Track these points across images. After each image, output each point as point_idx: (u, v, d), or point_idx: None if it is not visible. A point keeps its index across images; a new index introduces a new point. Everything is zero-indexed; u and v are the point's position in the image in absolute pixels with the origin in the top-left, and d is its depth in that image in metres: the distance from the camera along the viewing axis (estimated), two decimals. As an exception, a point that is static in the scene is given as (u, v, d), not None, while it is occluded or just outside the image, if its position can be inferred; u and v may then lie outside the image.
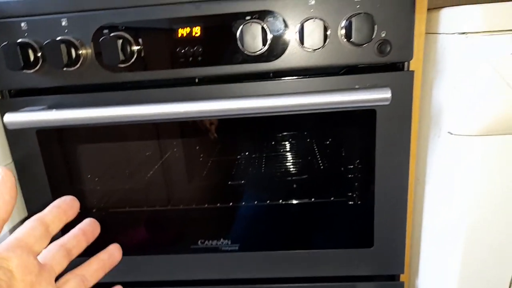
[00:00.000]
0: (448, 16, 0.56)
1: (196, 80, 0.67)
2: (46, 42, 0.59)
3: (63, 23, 0.61)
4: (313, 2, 0.58)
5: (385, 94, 0.57)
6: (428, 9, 0.62)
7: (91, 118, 0.61)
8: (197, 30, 0.61)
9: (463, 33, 0.53)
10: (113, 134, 0.74)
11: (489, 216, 0.59)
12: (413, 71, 0.61)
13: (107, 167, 0.87)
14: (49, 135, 0.70)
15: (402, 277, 0.74)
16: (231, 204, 0.79)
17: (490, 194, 0.58)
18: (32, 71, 0.62)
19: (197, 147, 0.92)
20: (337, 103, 0.58)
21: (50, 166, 0.72)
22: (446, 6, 0.59)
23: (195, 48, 0.61)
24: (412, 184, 0.70)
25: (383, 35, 0.59)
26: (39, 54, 0.61)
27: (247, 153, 0.79)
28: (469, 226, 0.59)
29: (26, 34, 0.62)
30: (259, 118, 0.67)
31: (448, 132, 0.58)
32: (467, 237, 0.60)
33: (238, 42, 0.59)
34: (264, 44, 0.58)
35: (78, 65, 0.62)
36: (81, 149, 0.78)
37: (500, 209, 0.58)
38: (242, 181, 0.79)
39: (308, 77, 0.63)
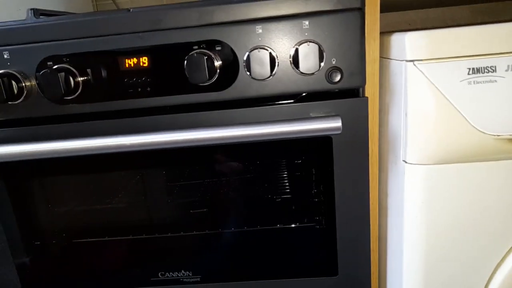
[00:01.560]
0: (397, 43, 0.55)
1: (168, 108, 0.65)
2: (-15, 76, 0.57)
3: (5, 56, 0.59)
4: (260, 31, 0.57)
5: (336, 123, 0.55)
6: (382, 33, 0.61)
7: (35, 153, 0.59)
8: (144, 61, 0.59)
9: (411, 60, 0.51)
10: (66, 166, 0.72)
11: (443, 242, 0.57)
12: (367, 98, 0.60)
13: (66, 199, 0.85)
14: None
15: (369, 306, 0.72)
16: (194, 232, 0.77)
17: (444, 223, 0.56)
18: (-26, 105, 0.60)
19: (158, 176, 0.91)
20: (287, 133, 0.56)
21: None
22: (397, 31, 0.58)
23: (143, 79, 0.60)
24: (376, 211, 0.68)
25: (334, 62, 0.57)
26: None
27: (209, 180, 0.77)
28: (425, 252, 0.58)
29: (-32, 66, 0.60)
30: (221, 146, 0.66)
31: (403, 161, 0.56)
32: (425, 263, 0.58)
33: (186, 73, 0.57)
34: (211, 75, 0.57)
35: (22, 98, 0.60)
36: (38, 182, 0.76)
37: (452, 237, 0.57)
38: (205, 209, 0.77)
39: (261, 106, 0.61)
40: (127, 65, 0.59)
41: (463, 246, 0.57)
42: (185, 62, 0.56)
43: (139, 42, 0.58)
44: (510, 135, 0.50)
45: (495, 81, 0.49)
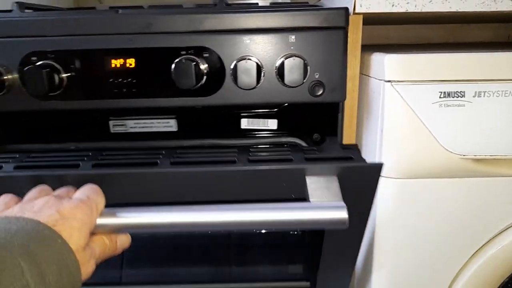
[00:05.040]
0: (376, 62, 0.58)
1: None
2: (-34, 67, 0.55)
3: (-12, 48, 0.58)
4: (248, 41, 0.58)
5: (340, 215, 0.43)
6: (363, 49, 0.65)
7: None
8: (131, 62, 0.60)
9: (389, 81, 0.55)
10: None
11: (408, 251, 0.61)
12: (381, 165, 0.50)
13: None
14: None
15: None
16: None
17: (411, 230, 0.60)
18: (-48, 95, 0.59)
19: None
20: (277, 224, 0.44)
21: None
22: (376, 45, 0.61)
23: (128, 80, 0.60)
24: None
25: (317, 76, 0.60)
26: (-39, 79, 0.58)
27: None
28: (393, 254, 0.62)
29: None
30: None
31: (376, 174, 0.60)
32: (393, 264, 0.62)
33: (173, 77, 0.58)
34: (197, 80, 0.58)
35: (3, 91, 0.59)
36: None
37: (418, 243, 0.61)
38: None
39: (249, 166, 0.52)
40: (113, 65, 0.60)
41: (428, 252, 0.61)
42: (173, 66, 0.57)
43: (127, 43, 0.59)
44: (474, 155, 0.54)
45: (463, 105, 0.53)
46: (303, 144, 0.69)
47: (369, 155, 0.63)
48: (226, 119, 0.70)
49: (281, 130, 0.69)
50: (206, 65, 0.59)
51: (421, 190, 0.58)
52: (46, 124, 0.69)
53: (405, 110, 0.54)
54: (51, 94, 0.59)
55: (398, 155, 0.56)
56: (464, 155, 0.54)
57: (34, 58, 0.58)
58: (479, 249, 0.61)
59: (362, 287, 0.70)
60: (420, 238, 0.61)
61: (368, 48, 0.71)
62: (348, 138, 0.66)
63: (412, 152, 0.55)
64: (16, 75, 0.59)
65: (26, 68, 0.56)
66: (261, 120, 0.69)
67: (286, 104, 0.65)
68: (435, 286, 0.64)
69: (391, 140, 0.56)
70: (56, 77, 0.58)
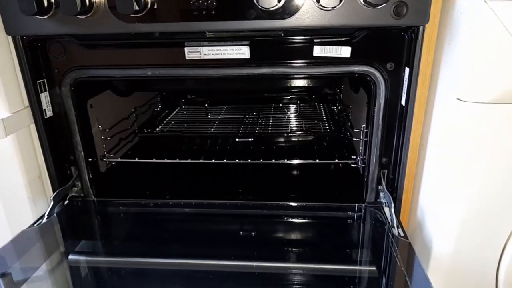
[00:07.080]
0: (469, -20, 0.55)
1: (207, 35, 0.68)
2: (60, -12, 0.58)
3: (77, -31, 0.60)
4: (331, -41, 0.57)
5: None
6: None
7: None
8: (211, -17, 0.60)
9: (483, -3, 0.52)
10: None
11: (491, 181, 0.61)
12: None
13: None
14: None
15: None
16: (236, 160, 0.81)
17: (495, 159, 0.59)
18: (45, 17, 0.62)
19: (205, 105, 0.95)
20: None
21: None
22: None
23: (208, 2, 0.61)
24: (417, 147, 0.71)
25: (401, -4, 0.58)
26: (52, 0, 0.61)
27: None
28: (471, 188, 0.62)
29: (39, -21, 0.61)
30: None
31: (457, 99, 0.59)
32: (468, 197, 0.63)
33: (255, -4, 0.58)
34: (279, 0, 0.58)
35: (91, 13, 0.61)
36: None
37: (503, 175, 0.60)
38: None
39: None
40: (193, -13, 0.60)
41: (503, 182, 0.61)
42: (255, -15, 0.57)
43: (208, -37, 0.59)
44: None
45: None
46: (376, 73, 0.68)
47: (447, 83, 0.62)
48: (298, 47, 0.70)
49: (354, 58, 0.68)
50: (286, -14, 0.58)
51: (505, 116, 0.56)
52: (125, 50, 0.72)
53: (498, 30, 0.52)
54: (134, 15, 0.61)
55: (485, 77, 0.54)
56: (559, 78, 0.52)
57: (119, -20, 0.60)
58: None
59: (430, 218, 0.71)
60: (497, 167, 0.60)
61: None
62: (424, 66, 0.65)
63: (502, 74, 0.53)
64: (102, -1, 0.61)
65: (116, -13, 0.58)
66: (334, 47, 0.68)
67: (358, 33, 0.63)
68: (505, 220, 0.64)
69: (479, 62, 0.54)
70: (142, -2, 0.59)
